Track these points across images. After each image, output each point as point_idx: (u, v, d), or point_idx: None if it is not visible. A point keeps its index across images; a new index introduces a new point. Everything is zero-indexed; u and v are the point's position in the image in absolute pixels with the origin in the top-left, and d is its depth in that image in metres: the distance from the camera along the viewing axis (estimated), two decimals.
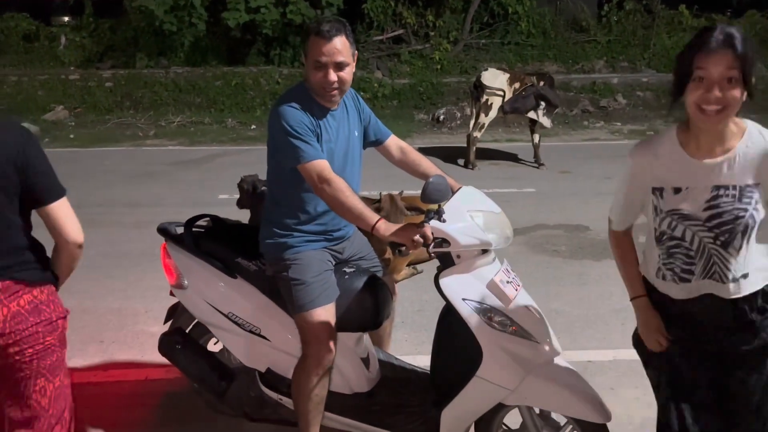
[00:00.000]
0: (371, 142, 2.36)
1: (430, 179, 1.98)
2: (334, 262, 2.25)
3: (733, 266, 1.65)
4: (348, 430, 2.29)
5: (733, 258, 1.64)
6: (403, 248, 1.90)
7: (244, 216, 3.40)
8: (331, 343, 2.11)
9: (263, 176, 3.54)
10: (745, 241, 1.63)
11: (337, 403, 2.25)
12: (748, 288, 1.66)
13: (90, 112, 10.84)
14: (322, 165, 2.00)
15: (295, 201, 2.15)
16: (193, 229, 2.41)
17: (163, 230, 2.42)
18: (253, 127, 10.20)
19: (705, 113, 1.55)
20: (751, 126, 1.65)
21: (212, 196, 6.02)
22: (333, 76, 2.02)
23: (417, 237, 1.87)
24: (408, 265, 4.19)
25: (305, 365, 2.12)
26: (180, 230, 2.41)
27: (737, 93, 1.54)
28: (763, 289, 1.68)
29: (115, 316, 3.66)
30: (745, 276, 1.66)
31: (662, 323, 1.77)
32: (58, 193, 1.75)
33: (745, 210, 1.61)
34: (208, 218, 2.50)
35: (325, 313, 2.11)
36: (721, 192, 1.62)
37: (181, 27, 11.75)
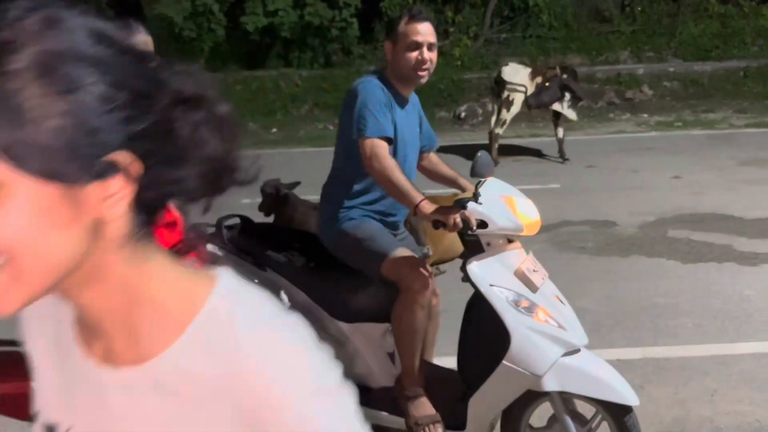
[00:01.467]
0: (420, 146, 2.43)
1: (479, 154, 2.11)
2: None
3: None
4: (373, 422, 2.29)
5: None
6: (443, 228, 1.96)
7: (266, 221, 3.41)
8: (426, 272, 2.11)
9: (285, 180, 3.56)
10: None
11: (361, 396, 2.25)
12: None
13: None
14: (379, 143, 2.05)
15: (357, 179, 2.21)
16: (224, 227, 2.46)
17: (195, 228, 2.49)
18: (274, 130, 10.26)
19: None
20: (218, 299, 0.62)
21: (235, 200, 6.00)
22: (427, 54, 2.15)
23: (458, 219, 1.91)
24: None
25: (405, 299, 2.11)
26: (211, 229, 2.46)
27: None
28: None
29: None
30: None
31: None
32: None
33: None
34: (237, 218, 2.55)
35: (407, 251, 2.17)
36: None
37: (201, 33, 11.88)
